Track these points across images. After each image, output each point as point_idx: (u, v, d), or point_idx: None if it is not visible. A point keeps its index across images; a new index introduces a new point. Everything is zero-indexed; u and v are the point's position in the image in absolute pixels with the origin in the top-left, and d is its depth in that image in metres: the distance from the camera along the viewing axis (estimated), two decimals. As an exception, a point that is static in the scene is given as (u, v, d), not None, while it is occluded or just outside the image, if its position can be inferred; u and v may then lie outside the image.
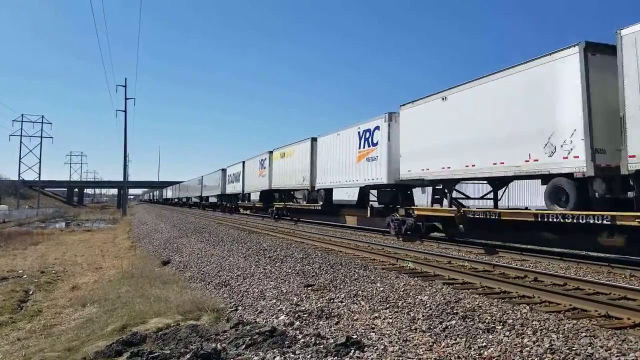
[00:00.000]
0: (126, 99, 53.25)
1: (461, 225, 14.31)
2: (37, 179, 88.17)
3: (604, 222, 9.64)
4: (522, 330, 5.33)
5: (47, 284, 13.21)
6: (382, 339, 5.32)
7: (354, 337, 5.32)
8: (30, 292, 12.05)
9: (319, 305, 6.90)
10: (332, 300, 7.17)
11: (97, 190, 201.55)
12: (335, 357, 4.80)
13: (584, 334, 5.11)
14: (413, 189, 19.66)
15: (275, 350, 5.08)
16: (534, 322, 5.57)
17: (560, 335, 5.08)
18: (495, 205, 14.75)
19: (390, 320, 6.02)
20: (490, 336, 5.20)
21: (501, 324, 5.59)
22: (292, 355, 4.92)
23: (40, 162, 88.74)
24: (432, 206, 16.15)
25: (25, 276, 14.28)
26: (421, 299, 6.88)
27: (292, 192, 30.75)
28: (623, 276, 9.49)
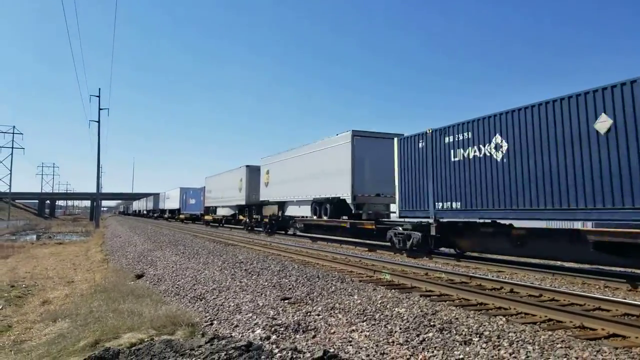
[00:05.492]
0: (100, 109, 52.57)
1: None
2: (8, 191, 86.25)
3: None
4: (499, 342, 5.35)
5: (17, 299, 12.79)
6: (360, 353, 5.28)
7: (330, 350, 5.27)
8: (0, 307, 11.67)
9: (296, 318, 6.83)
10: (309, 314, 7.10)
11: (70, 202, 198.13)
12: (313, 372, 4.75)
13: (559, 345, 5.15)
14: None
15: (251, 365, 5.00)
16: (510, 334, 5.60)
17: (537, 347, 5.11)
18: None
19: (368, 333, 5.99)
20: (467, 348, 5.20)
21: (478, 335, 5.60)
22: (268, 370, 4.86)
23: (10, 173, 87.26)
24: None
25: (-7, 291, 13.82)
26: (398, 312, 6.87)
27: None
28: (597, 287, 9.66)
